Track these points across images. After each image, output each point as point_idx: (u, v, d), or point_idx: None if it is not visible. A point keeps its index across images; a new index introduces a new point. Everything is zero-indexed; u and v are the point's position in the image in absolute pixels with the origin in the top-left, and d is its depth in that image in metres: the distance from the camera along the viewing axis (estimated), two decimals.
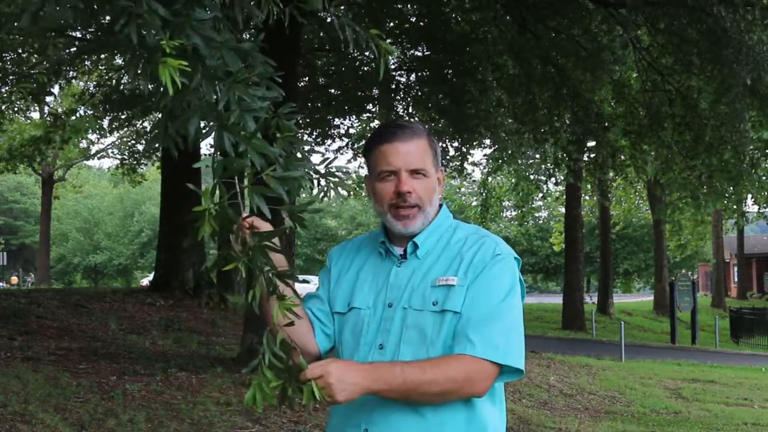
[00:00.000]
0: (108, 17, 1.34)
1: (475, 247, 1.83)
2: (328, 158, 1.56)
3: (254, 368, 1.45)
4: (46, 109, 22.10)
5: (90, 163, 43.95)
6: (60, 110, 19.41)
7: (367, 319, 1.84)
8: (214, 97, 1.32)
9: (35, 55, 13.33)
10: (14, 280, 40.38)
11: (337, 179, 1.51)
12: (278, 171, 1.39)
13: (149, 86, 1.33)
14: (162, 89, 1.26)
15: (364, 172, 23.07)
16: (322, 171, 1.51)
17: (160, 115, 1.40)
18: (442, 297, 1.77)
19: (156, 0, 1.27)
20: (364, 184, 2.02)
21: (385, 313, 1.82)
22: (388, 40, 14.93)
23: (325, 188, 1.52)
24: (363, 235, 2.03)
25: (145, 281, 34.18)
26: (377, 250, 1.92)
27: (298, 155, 1.44)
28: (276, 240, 1.45)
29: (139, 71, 1.28)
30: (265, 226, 1.61)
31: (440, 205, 1.93)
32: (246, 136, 1.34)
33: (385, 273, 1.87)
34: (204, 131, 1.34)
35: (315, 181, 1.52)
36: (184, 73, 1.26)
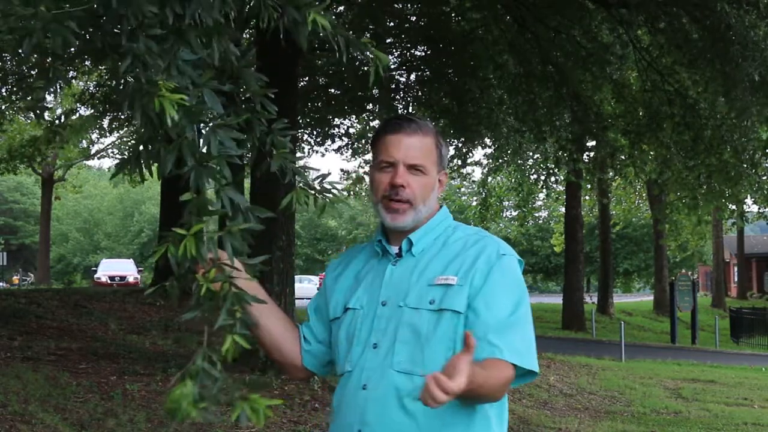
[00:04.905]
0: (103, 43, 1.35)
1: (477, 247, 1.80)
2: (323, 173, 1.54)
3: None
4: (47, 115, 22.08)
5: (90, 163, 43.95)
6: (59, 111, 19.42)
7: (361, 318, 1.81)
8: (194, 136, 1.34)
9: (33, 71, 13.32)
10: (15, 279, 40.31)
11: (331, 195, 1.50)
12: (239, 219, 1.39)
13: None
14: (148, 122, 1.27)
15: (363, 171, 22.92)
16: (317, 187, 1.51)
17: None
18: (439, 296, 1.74)
19: (149, 38, 1.28)
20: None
21: (379, 311, 1.79)
22: (388, 40, 14.89)
23: (323, 205, 1.50)
24: (365, 243, 2.02)
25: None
26: (374, 249, 1.89)
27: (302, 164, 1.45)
28: (243, 270, 1.44)
29: (134, 106, 1.29)
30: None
31: (440, 206, 1.91)
32: (221, 183, 1.34)
33: (381, 272, 1.84)
34: (184, 169, 1.35)
35: (311, 197, 1.51)
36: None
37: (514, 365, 1.70)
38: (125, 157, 1.50)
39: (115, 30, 1.30)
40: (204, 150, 1.35)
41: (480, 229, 1.91)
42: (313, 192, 1.51)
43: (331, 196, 1.51)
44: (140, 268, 33.05)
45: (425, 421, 1.69)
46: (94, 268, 35.06)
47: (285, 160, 1.45)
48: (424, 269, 1.79)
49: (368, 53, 1.52)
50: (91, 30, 1.36)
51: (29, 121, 21.85)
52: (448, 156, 1.92)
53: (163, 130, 1.30)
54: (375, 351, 1.77)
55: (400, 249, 1.85)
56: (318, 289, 2.03)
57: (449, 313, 1.72)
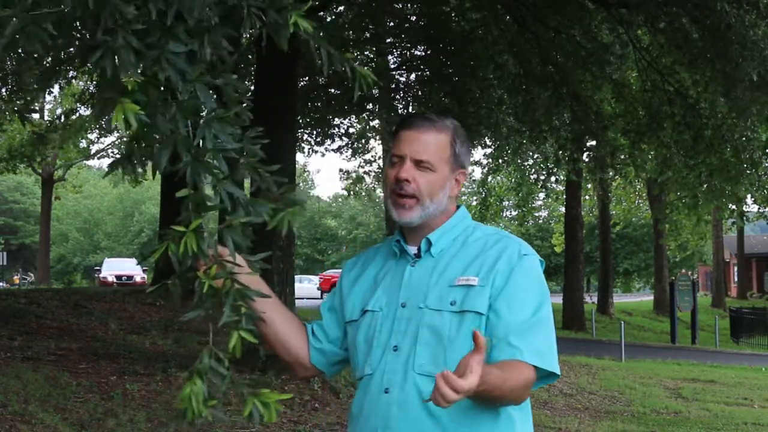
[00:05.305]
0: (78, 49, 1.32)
1: (497, 247, 1.78)
2: (287, 185, 1.49)
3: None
4: (46, 116, 22.08)
5: (90, 163, 43.98)
6: (59, 111, 19.43)
7: (380, 321, 1.79)
8: (188, 131, 1.31)
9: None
10: (15, 279, 40.33)
11: (296, 208, 1.45)
12: (240, 213, 1.36)
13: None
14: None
15: (363, 170, 22.90)
16: (279, 200, 1.46)
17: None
18: (461, 297, 1.72)
19: (131, 32, 1.25)
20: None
21: (399, 313, 1.77)
22: (388, 40, 14.86)
23: (280, 218, 1.45)
24: (379, 244, 2.00)
25: None
26: (392, 250, 1.87)
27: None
28: (245, 265, 1.41)
29: (103, 106, 1.27)
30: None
31: (458, 206, 1.89)
32: (218, 177, 1.32)
33: (399, 273, 1.82)
34: (180, 164, 1.33)
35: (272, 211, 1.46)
36: (153, 105, 1.25)
37: (535, 367, 1.69)
38: (118, 156, 1.48)
39: (95, 25, 1.27)
40: (198, 144, 1.33)
41: (500, 229, 1.89)
42: (273, 206, 1.46)
43: (292, 210, 1.46)
44: (145, 268, 32.81)
45: (450, 423, 1.67)
46: (97, 268, 34.24)
47: (251, 169, 1.41)
48: (443, 270, 1.77)
49: (349, 71, 1.49)
50: (70, 32, 1.33)
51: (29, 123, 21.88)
52: (467, 153, 1.87)
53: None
54: (395, 354, 1.74)
55: (418, 249, 1.82)
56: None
57: (471, 315, 1.70)
